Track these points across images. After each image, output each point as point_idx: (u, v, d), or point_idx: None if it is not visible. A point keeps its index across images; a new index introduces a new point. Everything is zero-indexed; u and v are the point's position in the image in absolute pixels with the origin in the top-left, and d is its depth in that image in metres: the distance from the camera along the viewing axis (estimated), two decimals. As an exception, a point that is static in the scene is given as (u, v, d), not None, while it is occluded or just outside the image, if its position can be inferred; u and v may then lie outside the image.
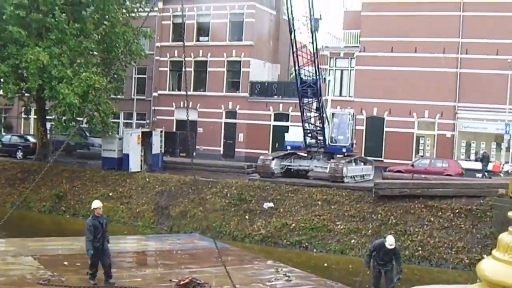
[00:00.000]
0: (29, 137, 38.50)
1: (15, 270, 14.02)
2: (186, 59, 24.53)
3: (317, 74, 26.31)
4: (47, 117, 34.67)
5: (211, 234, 20.37)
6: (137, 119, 42.20)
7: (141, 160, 31.61)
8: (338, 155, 27.74)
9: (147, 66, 40.76)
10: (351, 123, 28.50)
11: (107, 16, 31.44)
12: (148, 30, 34.95)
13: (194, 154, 33.57)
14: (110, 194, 28.83)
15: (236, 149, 39.02)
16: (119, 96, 36.78)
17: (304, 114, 27.00)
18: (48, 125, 34.93)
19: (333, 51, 36.94)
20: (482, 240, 21.02)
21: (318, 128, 27.44)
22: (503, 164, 31.28)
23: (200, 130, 39.36)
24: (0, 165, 33.86)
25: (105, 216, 13.64)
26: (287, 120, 37.04)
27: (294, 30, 25.50)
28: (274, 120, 38.22)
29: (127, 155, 30.83)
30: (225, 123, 39.56)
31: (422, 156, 33.64)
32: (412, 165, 30.57)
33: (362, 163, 29.65)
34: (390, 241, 13.95)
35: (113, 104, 33.50)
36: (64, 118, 30.21)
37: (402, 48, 34.26)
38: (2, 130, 45.73)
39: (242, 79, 39.31)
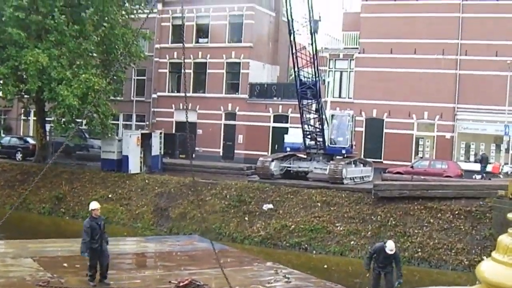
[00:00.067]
0: (28, 139, 38.47)
1: (15, 272, 14.01)
2: (186, 60, 24.60)
3: (317, 75, 26.32)
4: (47, 118, 34.66)
5: (210, 236, 20.37)
6: (136, 121, 42.20)
7: (141, 162, 31.58)
8: (337, 157, 27.73)
9: (146, 67, 40.78)
10: (350, 125, 28.50)
11: (106, 18, 31.43)
12: (148, 31, 34.94)
13: (194, 155, 33.56)
14: (110, 195, 28.82)
15: (235, 151, 39.02)
16: (118, 98, 36.78)
17: (304, 115, 27.00)
18: (47, 126, 34.89)
19: (333, 52, 36.96)
20: (482, 241, 21.02)
21: (318, 130, 27.43)
22: (503, 166, 31.30)
23: (199, 131, 39.35)
24: (-1, 167, 33.88)
25: (102, 217, 13.63)
26: (287, 122, 37.05)
27: (294, 32, 25.49)
28: (274, 122, 38.23)
29: (127, 157, 30.82)
30: (224, 124, 39.56)
31: (421, 158, 33.66)
32: (412, 167, 30.59)
33: (362, 165, 29.65)
34: (390, 247, 13.93)
35: (113, 106, 33.51)
36: (63, 119, 30.23)
37: (401, 50, 34.29)
38: (2, 131, 45.69)
39: (242, 80, 39.32)
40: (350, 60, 36.56)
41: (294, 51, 25.72)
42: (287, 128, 34.21)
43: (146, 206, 27.51)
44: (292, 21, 25.39)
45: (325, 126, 27.52)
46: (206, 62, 40.00)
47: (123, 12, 33.49)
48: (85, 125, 32.21)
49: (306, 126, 27.30)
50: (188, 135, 28.65)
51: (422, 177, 27.21)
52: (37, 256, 15.62)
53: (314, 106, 27.25)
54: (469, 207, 22.27)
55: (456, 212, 22.28)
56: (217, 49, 39.47)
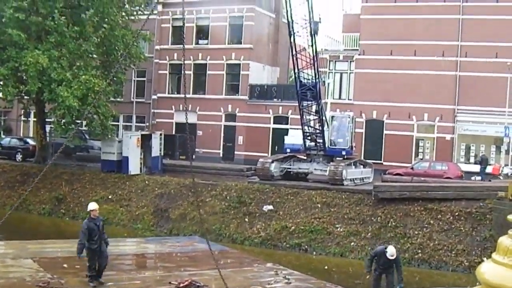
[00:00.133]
0: (28, 140, 38.44)
1: (15, 273, 14.01)
2: (186, 62, 24.61)
3: (317, 77, 26.33)
4: (47, 119, 34.65)
5: (210, 237, 20.35)
6: (136, 122, 42.19)
7: (141, 163, 31.57)
8: (337, 158, 27.74)
9: (146, 69, 40.78)
10: (350, 126, 28.52)
11: (106, 19, 31.44)
12: (148, 33, 34.93)
13: (194, 157, 33.54)
14: (110, 196, 28.81)
15: (235, 152, 39.00)
16: (118, 99, 36.76)
17: (304, 117, 27.01)
18: (47, 127, 34.91)
19: (333, 54, 36.95)
20: (482, 243, 21.02)
21: (318, 131, 27.44)
22: (503, 167, 31.30)
23: (199, 133, 39.35)
24: (-1, 168, 33.88)
25: (101, 218, 13.61)
26: (287, 123, 37.03)
27: (294, 33, 25.50)
28: (274, 123, 38.21)
29: (127, 158, 30.81)
30: (224, 126, 39.55)
31: (421, 159, 33.65)
32: (412, 168, 30.57)
33: (362, 166, 29.66)
34: (391, 252, 13.91)
35: (113, 107, 33.51)
36: (63, 120, 30.21)
37: (401, 51, 34.29)
38: (2, 132, 45.69)
39: (242, 82, 39.31)
40: (350, 61, 36.56)
41: (294, 52, 25.73)
42: (287, 130, 34.17)
43: (146, 207, 27.50)
44: (292, 23, 25.40)
45: (325, 127, 27.53)
46: (206, 64, 40.00)
47: (123, 14, 33.50)
48: (85, 126, 32.25)
49: (306, 127, 27.31)
50: (188, 136, 28.64)
51: (422, 178, 27.20)
52: (37, 257, 15.63)
53: (314, 108, 27.26)
54: (469, 208, 22.27)
55: (456, 213, 22.28)
56: (217, 51, 39.48)
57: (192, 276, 14.06)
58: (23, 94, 32.57)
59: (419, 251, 21.41)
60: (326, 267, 21.09)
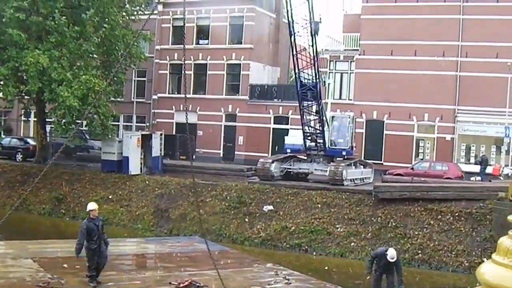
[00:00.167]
0: (28, 140, 38.45)
1: (15, 273, 14.01)
2: (186, 62, 24.56)
3: (317, 77, 26.32)
4: (47, 119, 34.66)
5: (210, 237, 20.37)
6: (136, 122, 42.19)
7: (141, 163, 31.57)
8: (337, 158, 27.74)
9: (147, 69, 40.79)
10: (350, 126, 28.52)
11: (107, 19, 31.44)
12: (148, 33, 34.92)
13: (194, 157, 33.53)
14: (110, 196, 28.81)
15: (235, 152, 39.00)
16: (119, 99, 36.75)
17: (304, 117, 27.01)
18: (47, 127, 34.93)
19: (333, 54, 36.94)
20: (482, 243, 21.02)
21: (318, 131, 27.44)
22: (503, 167, 31.27)
23: (200, 133, 39.35)
24: (-1, 168, 33.89)
25: (100, 218, 13.60)
26: (287, 123, 37.03)
27: (294, 33, 25.49)
28: (274, 123, 38.21)
29: (127, 158, 30.81)
30: (225, 126, 39.55)
31: (421, 159, 33.64)
32: (412, 168, 30.56)
33: (362, 166, 29.66)
34: (391, 255, 13.90)
35: (113, 107, 33.50)
36: (63, 120, 30.22)
37: (401, 51, 34.28)
38: (2, 132, 45.71)
39: (242, 82, 39.31)
40: (351, 61, 36.56)
41: (294, 52, 25.73)
42: (287, 130, 34.17)
43: (146, 207, 27.51)
44: (292, 23, 25.39)
45: (326, 127, 27.53)
46: (206, 64, 40.00)
47: (124, 14, 33.50)
48: (86, 126, 32.24)
49: (306, 127, 27.31)
50: (188, 136, 28.66)
51: (423, 178, 27.19)
52: (37, 257, 15.63)
53: (314, 108, 27.25)
54: (469, 209, 22.27)
55: (457, 213, 22.28)
56: (217, 51, 39.48)
57: (192, 276, 14.06)
58: (24, 94, 32.60)
59: (419, 251, 21.40)
60: (326, 268, 21.09)
